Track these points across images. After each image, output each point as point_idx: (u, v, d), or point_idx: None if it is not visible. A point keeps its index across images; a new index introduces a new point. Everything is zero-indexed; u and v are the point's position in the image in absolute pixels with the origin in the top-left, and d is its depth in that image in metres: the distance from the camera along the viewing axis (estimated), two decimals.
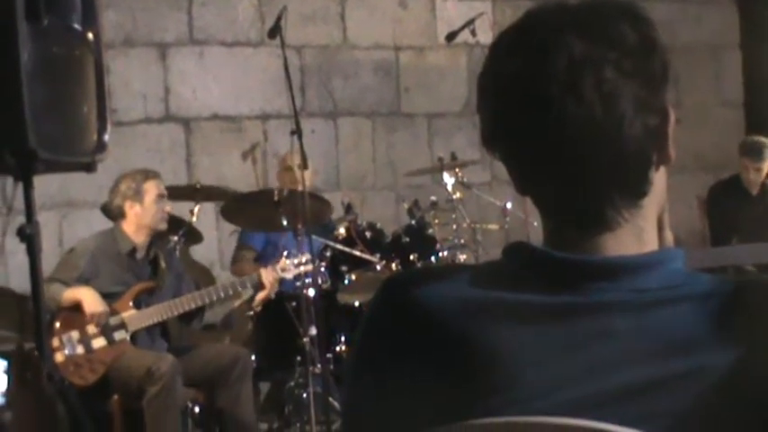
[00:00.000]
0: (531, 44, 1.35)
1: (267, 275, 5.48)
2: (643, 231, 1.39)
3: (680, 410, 1.25)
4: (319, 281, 5.60)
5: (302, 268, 5.53)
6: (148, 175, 5.54)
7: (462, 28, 6.99)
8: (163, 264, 5.58)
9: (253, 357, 5.58)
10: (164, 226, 5.55)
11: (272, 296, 5.66)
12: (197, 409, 5.53)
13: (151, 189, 5.48)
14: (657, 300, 1.31)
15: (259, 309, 5.69)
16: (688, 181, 7.86)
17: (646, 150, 1.35)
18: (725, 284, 1.34)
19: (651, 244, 1.40)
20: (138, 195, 5.44)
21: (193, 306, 5.41)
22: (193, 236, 6.24)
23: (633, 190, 1.37)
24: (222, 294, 5.44)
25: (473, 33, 6.87)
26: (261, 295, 5.55)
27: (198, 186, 6.25)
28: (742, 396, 1.26)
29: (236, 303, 5.75)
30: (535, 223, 1.45)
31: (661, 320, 1.29)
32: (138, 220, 5.46)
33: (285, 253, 5.64)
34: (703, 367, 1.26)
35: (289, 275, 5.55)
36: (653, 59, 1.35)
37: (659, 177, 1.39)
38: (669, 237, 1.48)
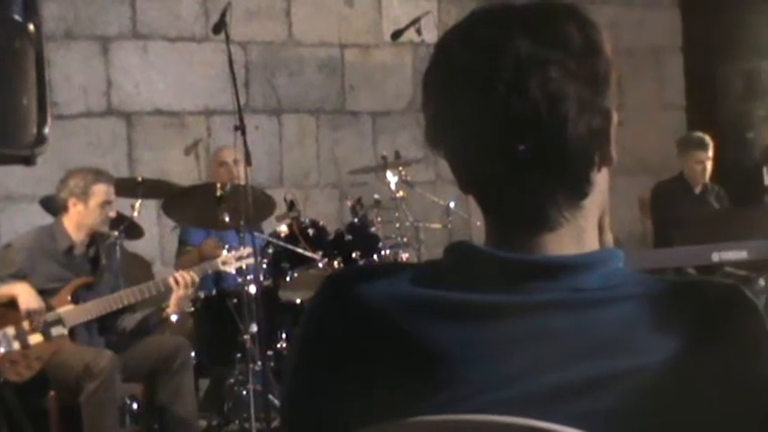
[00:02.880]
0: (477, 43, 1.35)
1: (181, 277, 5.41)
2: (584, 232, 1.39)
3: (618, 409, 1.26)
4: (261, 278, 5.57)
5: (244, 261, 5.50)
6: (100, 178, 5.47)
7: (408, 26, 6.99)
8: (103, 259, 5.53)
9: (193, 354, 5.54)
10: (105, 228, 5.49)
11: (205, 295, 5.62)
12: (135, 406, 5.49)
13: (99, 193, 5.42)
14: (596, 299, 1.31)
15: (172, 313, 5.61)
16: (629, 183, 7.91)
17: (588, 151, 1.35)
18: (663, 285, 1.35)
19: (591, 244, 1.41)
20: (84, 195, 5.39)
21: (133, 301, 5.36)
22: (134, 231, 6.19)
23: (575, 190, 1.37)
24: (147, 294, 5.38)
25: (418, 32, 6.87)
26: (174, 298, 5.47)
27: (139, 181, 6.19)
28: (677, 396, 1.27)
29: (152, 308, 5.69)
30: (478, 223, 1.45)
31: (600, 320, 1.30)
32: (80, 219, 5.40)
33: (226, 246, 5.61)
34: (641, 367, 1.27)
35: (230, 269, 5.53)
36: (597, 61, 1.35)
37: (601, 178, 1.40)
38: (609, 238, 1.48)
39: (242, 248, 5.53)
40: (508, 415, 1.23)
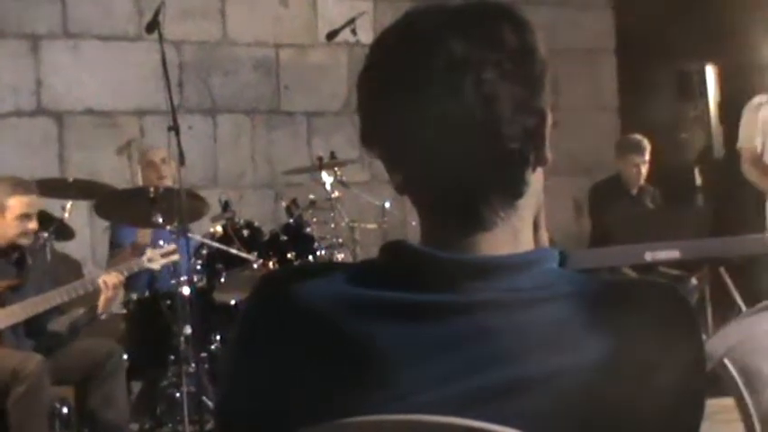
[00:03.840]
0: (412, 44, 1.35)
1: (108, 278, 5.32)
2: (519, 231, 1.39)
3: (553, 408, 1.26)
4: (195, 279, 5.53)
5: (170, 258, 5.43)
6: (17, 189, 5.25)
7: (343, 27, 6.99)
8: (29, 261, 5.42)
9: (125, 356, 5.48)
10: (25, 241, 5.30)
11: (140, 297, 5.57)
12: (65, 410, 5.41)
13: (15, 206, 5.21)
14: (531, 299, 1.32)
15: (104, 316, 5.54)
16: (564, 183, 7.96)
17: (523, 151, 1.35)
18: (597, 285, 1.36)
19: (526, 244, 1.41)
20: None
21: (60, 302, 5.27)
22: (65, 232, 6.11)
23: (510, 190, 1.37)
24: (74, 294, 5.29)
25: (354, 32, 6.87)
26: (101, 299, 5.37)
27: (70, 181, 6.11)
28: (610, 394, 1.28)
29: (81, 310, 5.62)
30: (413, 222, 1.45)
31: (534, 320, 1.30)
32: None
33: (151, 243, 5.56)
34: (575, 366, 1.27)
35: (156, 266, 5.45)
36: (532, 62, 1.36)
37: (536, 178, 1.40)
38: (544, 237, 1.49)
39: (167, 245, 5.45)
40: (444, 415, 1.24)
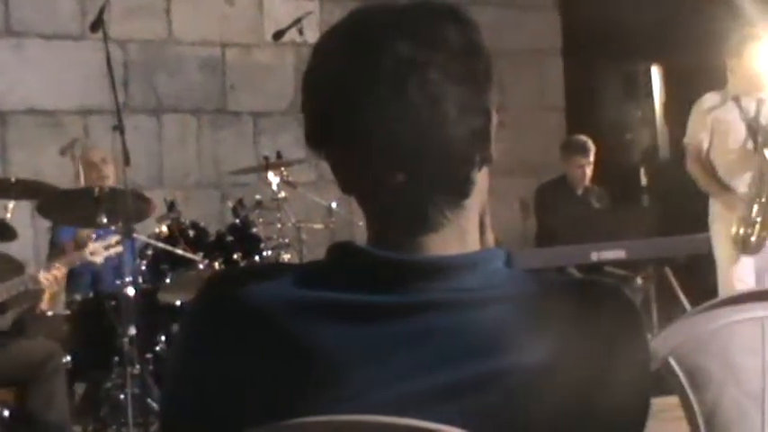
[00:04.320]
0: (357, 45, 1.35)
1: (50, 273, 5.26)
2: (465, 232, 1.40)
3: (499, 408, 1.27)
4: (140, 279, 5.48)
5: (112, 250, 5.37)
6: None
7: (290, 27, 6.96)
8: None
9: (69, 358, 5.43)
10: None
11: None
12: (6, 413, 5.34)
13: None
14: (478, 299, 1.32)
15: (50, 312, 5.48)
16: (510, 183, 7.98)
17: (469, 151, 1.36)
18: (543, 284, 1.37)
19: (473, 244, 1.41)
20: None
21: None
22: (7, 233, 6.03)
23: (456, 191, 1.37)
24: (14, 291, 5.22)
25: (300, 32, 6.85)
26: (47, 296, 5.32)
27: (13, 181, 6.03)
28: (555, 394, 1.28)
29: (26, 306, 5.55)
30: (360, 223, 1.44)
31: (480, 320, 1.31)
32: None
33: (93, 236, 5.50)
34: (520, 366, 1.28)
35: (99, 259, 5.39)
36: (477, 62, 1.36)
37: (481, 177, 1.40)
38: (490, 237, 1.49)
39: (109, 237, 5.40)
40: (391, 415, 1.23)
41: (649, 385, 1.38)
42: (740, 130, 5.93)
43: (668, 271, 6.97)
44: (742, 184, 5.87)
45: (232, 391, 1.33)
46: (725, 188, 5.96)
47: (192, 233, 5.97)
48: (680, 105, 6.34)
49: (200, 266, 5.82)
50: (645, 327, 1.40)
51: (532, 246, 7.71)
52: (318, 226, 6.98)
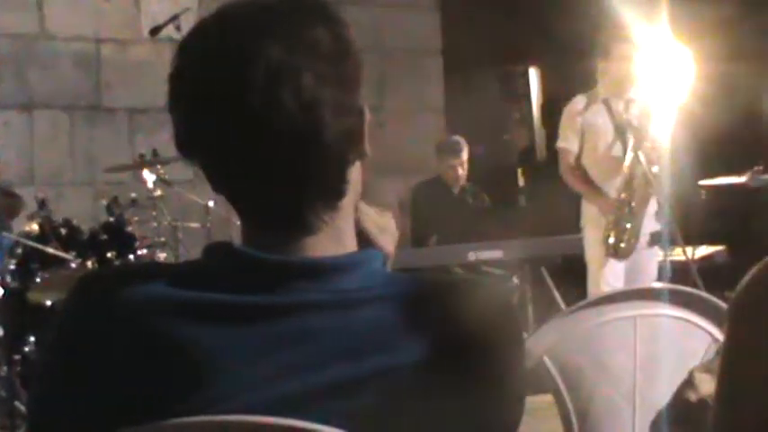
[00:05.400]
0: (226, 50, 1.33)
1: None
2: (342, 233, 1.41)
3: (376, 409, 1.28)
4: (8, 279, 5.35)
5: None
6: None
7: (167, 23, 6.86)
8: None
9: None
10: None
11: None
12: None
13: None
14: (355, 300, 1.33)
15: None
16: (390, 183, 8.00)
17: (344, 152, 1.36)
18: (419, 285, 1.38)
19: (350, 245, 1.42)
20: None
21: None
22: None
23: (332, 192, 1.38)
24: None
25: (178, 29, 6.75)
26: None
27: None
28: (430, 394, 1.29)
29: None
30: (237, 222, 1.42)
31: (358, 320, 1.32)
32: None
33: None
34: (397, 366, 1.29)
35: None
36: (348, 62, 1.36)
37: (355, 173, 1.40)
38: (388, 243, 1.53)
39: None
40: (268, 415, 1.24)
41: (524, 383, 1.40)
42: (609, 133, 5.99)
43: (544, 271, 7.04)
44: (612, 188, 5.93)
45: (104, 393, 1.31)
46: (597, 192, 6.02)
47: (64, 231, 5.86)
48: (557, 107, 6.40)
49: (73, 265, 5.72)
50: (520, 325, 1.42)
51: (409, 245, 7.73)
52: (195, 225, 6.92)
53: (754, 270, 1.45)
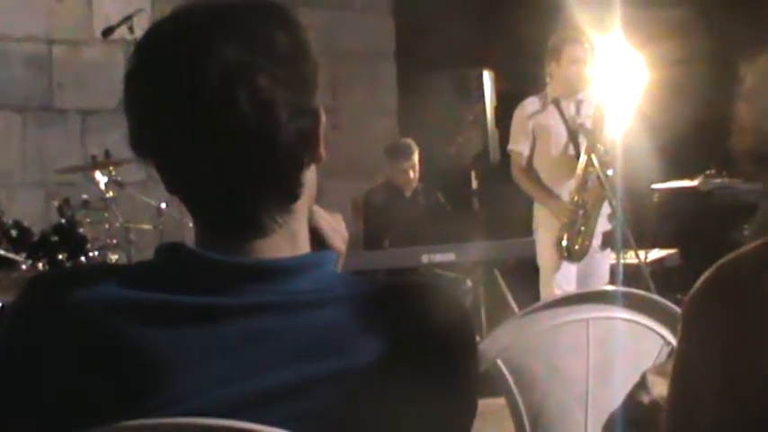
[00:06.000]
0: (182, 51, 1.33)
1: None
2: (296, 234, 1.40)
3: (329, 411, 1.27)
4: None
5: None
6: None
7: (120, 24, 6.84)
8: None
9: None
10: None
11: None
12: None
13: None
14: (309, 302, 1.33)
15: None
16: (342, 186, 7.98)
17: (298, 154, 1.36)
18: (372, 287, 1.38)
19: (304, 246, 1.42)
20: None
21: None
22: None
23: (287, 194, 1.37)
24: None
25: (131, 30, 6.73)
26: None
27: None
28: (384, 396, 1.30)
29: None
30: (190, 224, 1.42)
31: (312, 322, 1.32)
32: None
33: None
34: (350, 368, 1.29)
35: None
36: (305, 64, 1.36)
37: (309, 176, 1.40)
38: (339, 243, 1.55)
39: None
40: (222, 417, 1.24)
41: (476, 387, 1.41)
42: (562, 135, 6.00)
43: (497, 274, 7.05)
44: (566, 190, 5.95)
45: (54, 396, 1.29)
46: (550, 195, 6.03)
47: (14, 233, 5.83)
48: (511, 110, 6.41)
49: (23, 267, 5.70)
50: (474, 328, 1.42)
51: (363, 247, 7.72)
52: (147, 226, 6.92)
53: (706, 274, 1.46)
